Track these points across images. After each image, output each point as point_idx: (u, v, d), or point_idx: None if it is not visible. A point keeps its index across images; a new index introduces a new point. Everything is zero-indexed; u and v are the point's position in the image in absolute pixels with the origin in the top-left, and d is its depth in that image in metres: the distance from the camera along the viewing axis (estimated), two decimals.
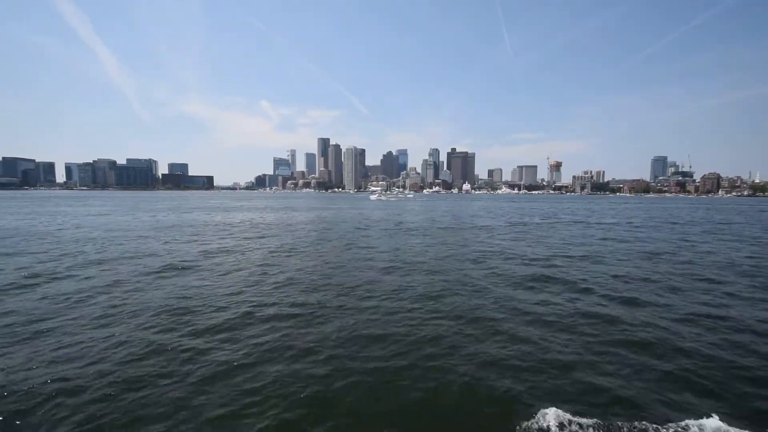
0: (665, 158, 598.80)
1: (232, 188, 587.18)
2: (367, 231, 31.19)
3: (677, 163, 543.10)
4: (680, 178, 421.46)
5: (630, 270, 15.85)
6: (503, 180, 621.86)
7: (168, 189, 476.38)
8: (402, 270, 15.06)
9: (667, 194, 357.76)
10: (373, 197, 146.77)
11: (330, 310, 10.66)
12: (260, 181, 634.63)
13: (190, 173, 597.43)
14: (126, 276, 14.79)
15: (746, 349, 8.46)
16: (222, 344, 8.55)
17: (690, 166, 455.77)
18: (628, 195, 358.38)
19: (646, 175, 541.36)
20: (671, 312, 10.64)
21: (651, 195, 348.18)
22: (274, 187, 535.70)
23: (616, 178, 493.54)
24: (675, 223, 40.42)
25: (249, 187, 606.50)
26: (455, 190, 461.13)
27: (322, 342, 8.56)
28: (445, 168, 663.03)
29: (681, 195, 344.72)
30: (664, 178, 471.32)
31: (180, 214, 53.05)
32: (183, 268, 16.45)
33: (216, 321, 9.97)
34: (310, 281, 13.93)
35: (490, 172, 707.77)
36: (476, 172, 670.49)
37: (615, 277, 14.14)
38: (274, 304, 11.29)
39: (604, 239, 26.03)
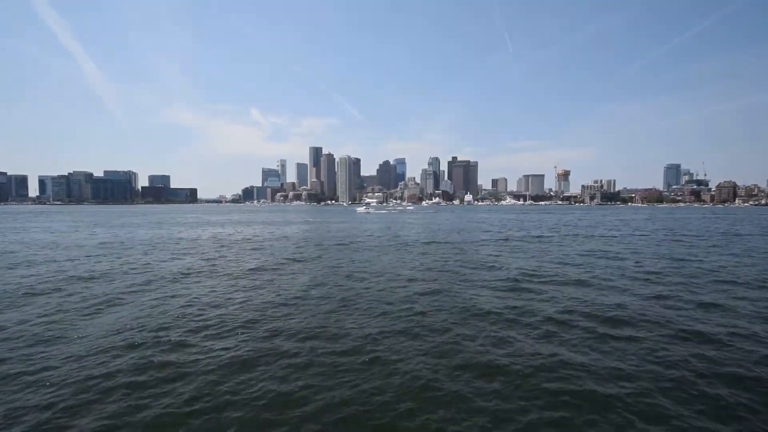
0: (678, 166, 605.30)
1: (218, 201, 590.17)
2: (350, 248, 29.40)
3: (691, 171, 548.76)
4: (695, 187, 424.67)
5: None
6: (508, 190, 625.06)
7: (148, 203, 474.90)
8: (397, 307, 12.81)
9: (681, 204, 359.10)
10: (360, 210, 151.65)
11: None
12: (248, 194, 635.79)
13: (172, 185, 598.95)
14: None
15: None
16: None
17: (705, 174, 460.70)
18: (640, 205, 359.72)
19: (659, 184, 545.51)
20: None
21: (664, 205, 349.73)
22: (262, 200, 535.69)
23: (628, 188, 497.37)
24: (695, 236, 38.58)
25: (235, 200, 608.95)
26: (456, 202, 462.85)
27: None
28: (445, 178, 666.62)
29: (695, 204, 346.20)
30: (678, 187, 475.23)
31: (143, 229, 51.62)
32: (89, 279, 14.68)
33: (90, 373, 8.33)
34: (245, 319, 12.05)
35: (494, 182, 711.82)
36: (479, 182, 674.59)
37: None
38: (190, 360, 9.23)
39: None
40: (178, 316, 11.96)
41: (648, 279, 17.64)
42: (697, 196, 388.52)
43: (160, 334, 10.30)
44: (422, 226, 58.92)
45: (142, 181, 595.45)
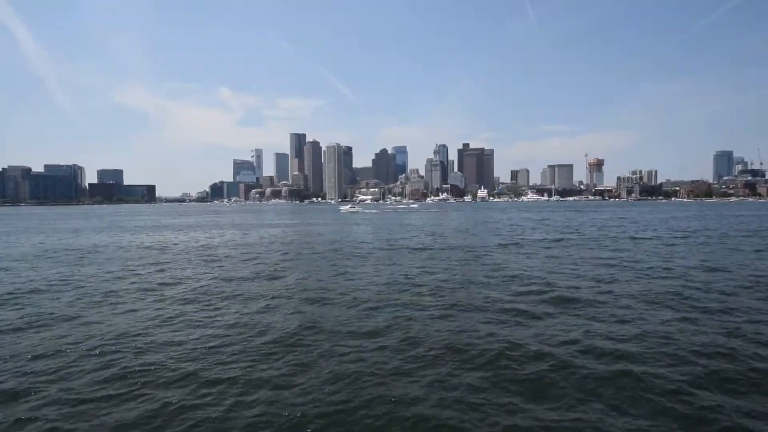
0: (730, 153, 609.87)
1: (181, 200, 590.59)
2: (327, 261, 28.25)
3: (745, 160, 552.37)
4: (749, 178, 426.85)
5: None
6: (530, 184, 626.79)
7: (96, 203, 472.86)
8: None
9: (733, 198, 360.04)
10: (344, 209, 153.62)
11: None
12: (217, 191, 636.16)
13: (126, 182, 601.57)
14: None
15: None
16: None
17: (761, 163, 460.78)
18: (685, 200, 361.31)
19: (708, 175, 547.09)
20: None
21: (713, 200, 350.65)
22: (233, 198, 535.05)
23: (672, 180, 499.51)
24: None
25: (202, 198, 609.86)
26: (468, 198, 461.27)
27: None
28: (455, 169, 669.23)
29: (750, 199, 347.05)
30: (730, 178, 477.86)
31: (80, 236, 50.45)
32: None
33: None
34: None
35: (514, 174, 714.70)
36: (496, 175, 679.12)
37: None
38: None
39: None
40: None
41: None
42: (752, 188, 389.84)
43: None
44: (419, 229, 57.80)
45: (90, 177, 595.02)
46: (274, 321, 13.95)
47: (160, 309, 15.65)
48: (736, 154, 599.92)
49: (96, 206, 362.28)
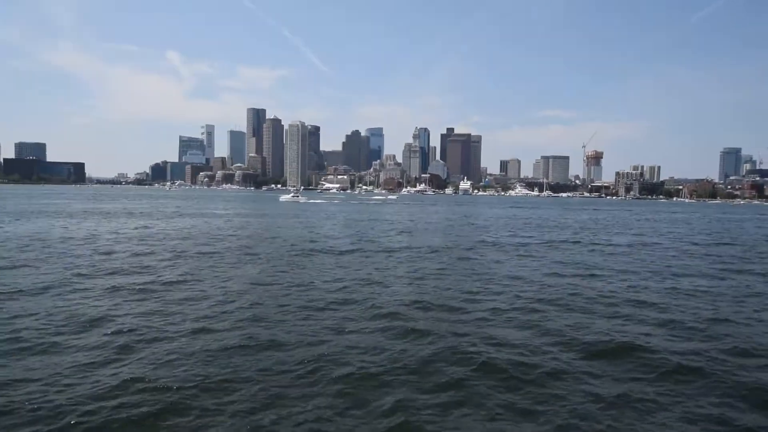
0: (738, 151, 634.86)
1: (115, 182, 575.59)
2: None
3: (754, 158, 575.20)
4: (756, 179, 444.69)
5: None
6: (521, 176, 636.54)
7: (13, 181, 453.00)
8: None
9: (739, 200, 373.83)
10: (285, 198, 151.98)
11: None
12: (158, 172, 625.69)
13: (49, 158, 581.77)
14: None
15: None
16: None
17: None
18: (687, 200, 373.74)
19: (714, 174, 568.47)
20: None
21: (717, 201, 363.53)
22: (178, 182, 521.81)
23: (676, 177, 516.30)
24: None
25: (140, 180, 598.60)
26: (450, 190, 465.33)
27: None
28: (437, 157, 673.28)
29: (756, 201, 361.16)
30: (737, 178, 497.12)
31: None
32: None
33: None
34: None
35: (504, 165, 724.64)
36: (483, 165, 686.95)
37: None
38: None
39: None
40: None
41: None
42: (759, 190, 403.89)
43: None
44: (347, 227, 57.66)
45: (6, 152, 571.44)
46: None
47: None
48: (744, 152, 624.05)
49: (11, 186, 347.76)
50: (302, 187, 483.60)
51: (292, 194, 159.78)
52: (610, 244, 42.36)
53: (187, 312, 15.79)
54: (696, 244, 45.30)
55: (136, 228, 47.31)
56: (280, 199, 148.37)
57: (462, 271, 25.64)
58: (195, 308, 16.36)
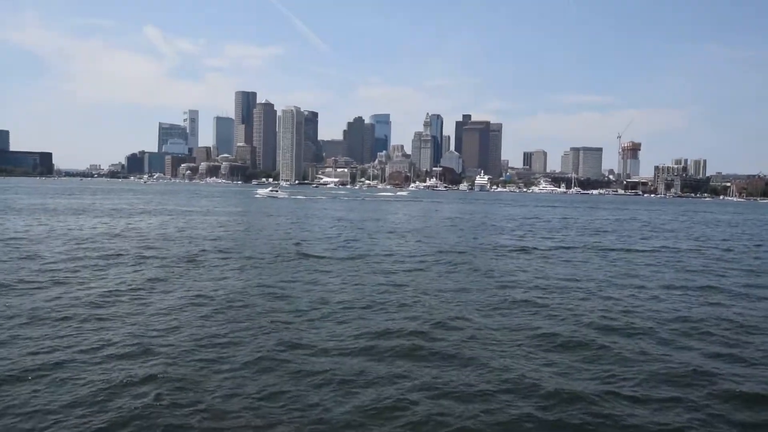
0: None
1: (87, 174, 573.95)
2: None
3: None
4: None
5: None
6: (547, 170, 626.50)
7: None
8: None
9: None
10: (260, 193, 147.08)
11: None
12: (135, 164, 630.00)
13: (12, 148, 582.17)
14: None
15: None
16: None
17: None
18: (736, 199, 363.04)
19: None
20: None
21: None
22: (156, 175, 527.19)
23: (723, 173, 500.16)
24: None
25: (115, 172, 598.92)
26: (464, 185, 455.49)
27: None
28: (451, 147, 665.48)
29: None
30: None
31: None
32: None
33: None
34: None
35: (527, 157, 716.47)
36: (504, 158, 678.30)
37: None
38: None
39: None
40: None
41: None
42: None
43: None
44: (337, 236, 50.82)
45: None
46: None
47: None
48: None
49: None
50: (297, 181, 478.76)
51: (269, 189, 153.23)
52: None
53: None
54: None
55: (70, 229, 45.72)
56: (256, 195, 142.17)
57: None
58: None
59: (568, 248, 40.93)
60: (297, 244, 37.43)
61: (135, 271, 25.01)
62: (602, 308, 19.74)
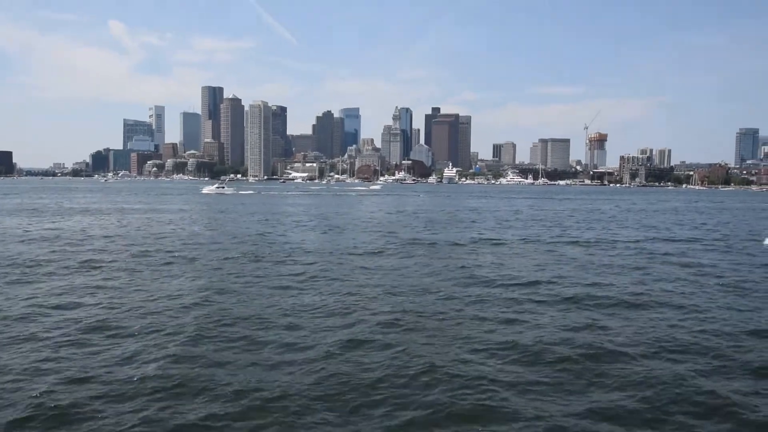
0: (756, 132, 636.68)
1: (50, 174, 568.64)
2: None
3: None
4: None
5: None
6: (517, 161, 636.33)
7: None
8: None
9: (755, 186, 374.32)
10: (207, 190, 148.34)
11: None
12: (100, 162, 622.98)
13: None
14: None
15: None
16: None
17: None
18: (698, 187, 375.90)
19: (730, 157, 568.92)
20: None
21: (731, 188, 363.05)
22: (121, 172, 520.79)
23: (687, 162, 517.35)
24: None
25: (78, 171, 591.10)
26: (432, 178, 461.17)
27: None
28: (421, 140, 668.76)
29: None
30: (753, 162, 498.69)
31: None
32: None
33: None
34: None
35: (497, 149, 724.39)
36: (474, 150, 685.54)
37: None
38: None
39: None
40: None
41: None
42: None
43: None
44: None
45: None
46: None
47: None
48: (762, 133, 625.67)
49: None
50: (265, 177, 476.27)
51: (216, 185, 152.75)
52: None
53: None
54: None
55: None
56: (202, 192, 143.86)
57: None
58: None
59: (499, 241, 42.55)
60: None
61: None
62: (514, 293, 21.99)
